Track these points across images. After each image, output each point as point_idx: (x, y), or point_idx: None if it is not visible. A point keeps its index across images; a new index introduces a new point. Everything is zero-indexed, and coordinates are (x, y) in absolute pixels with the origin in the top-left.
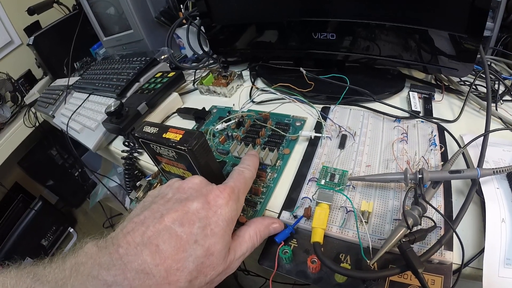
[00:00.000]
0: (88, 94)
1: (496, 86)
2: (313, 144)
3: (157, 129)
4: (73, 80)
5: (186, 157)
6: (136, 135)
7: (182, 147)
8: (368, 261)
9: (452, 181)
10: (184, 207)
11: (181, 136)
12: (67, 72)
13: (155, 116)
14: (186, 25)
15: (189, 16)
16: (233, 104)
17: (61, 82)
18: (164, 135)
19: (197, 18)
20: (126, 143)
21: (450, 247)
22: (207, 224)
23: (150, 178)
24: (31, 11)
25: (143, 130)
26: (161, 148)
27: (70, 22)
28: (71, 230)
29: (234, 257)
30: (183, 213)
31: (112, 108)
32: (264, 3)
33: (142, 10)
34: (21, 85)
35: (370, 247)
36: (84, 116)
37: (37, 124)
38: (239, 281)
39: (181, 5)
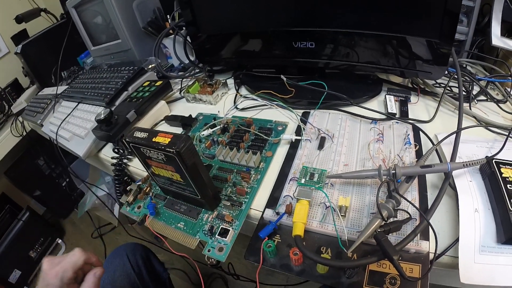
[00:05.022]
0: (77, 103)
1: (471, 87)
2: (294, 146)
3: (147, 134)
4: (61, 89)
5: (174, 159)
6: (127, 140)
7: (171, 150)
8: (346, 251)
9: (427, 176)
10: None
11: (169, 139)
12: (55, 81)
13: (144, 124)
14: (173, 35)
15: (176, 27)
16: (218, 111)
17: (48, 91)
18: (154, 139)
19: (183, 28)
20: (116, 150)
21: (426, 237)
22: None
23: (140, 183)
24: (19, 19)
25: (134, 135)
26: (151, 151)
27: (58, 31)
28: (59, 241)
29: None
30: None
31: (102, 116)
32: (248, 14)
33: (130, 20)
34: (8, 93)
35: (346, 238)
36: (73, 124)
37: (24, 133)
38: (229, 286)
39: (168, 16)
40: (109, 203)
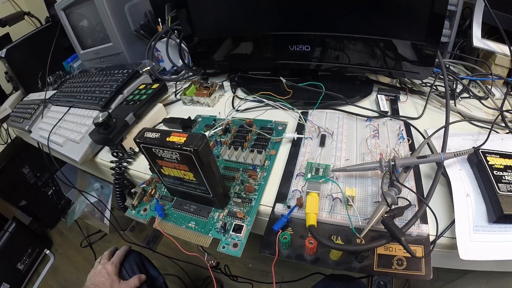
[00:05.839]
0: (68, 107)
1: (455, 85)
2: (296, 144)
3: (159, 134)
4: (49, 94)
5: (191, 158)
6: (137, 140)
7: (188, 148)
8: (358, 235)
9: (421, 167)
10: None
11: (185, 138)
12: (42, 85)
13: (142, 126)
14: (165, 39)
15: (170, 29)
16: (219, 113)
17: (35, 96)
18: (168, 139)
19: (175, 31)
20: (115, 153)
21: (425, 221)
22: None
23: (144, 185)
24: (3, 22)
25: (145, 136)
26: (164, 151)
27: (43, 34)
28: (47, 252)
29: None
30: None
31: (100, 119)
32: (245, 18)
33: (122, 23)
34: None
35: (360, 222)
36: (66, 129)
37: (9, 140)
38: None
39: (159, 19)
40: (99, 209)
